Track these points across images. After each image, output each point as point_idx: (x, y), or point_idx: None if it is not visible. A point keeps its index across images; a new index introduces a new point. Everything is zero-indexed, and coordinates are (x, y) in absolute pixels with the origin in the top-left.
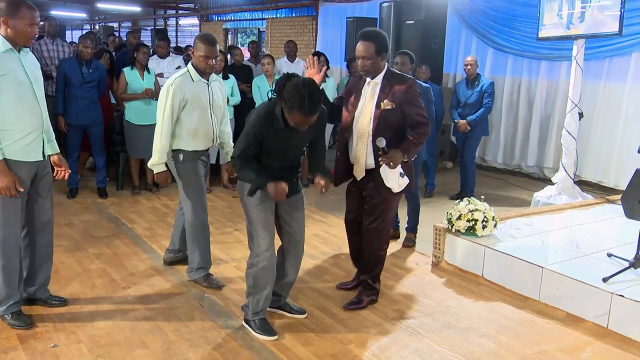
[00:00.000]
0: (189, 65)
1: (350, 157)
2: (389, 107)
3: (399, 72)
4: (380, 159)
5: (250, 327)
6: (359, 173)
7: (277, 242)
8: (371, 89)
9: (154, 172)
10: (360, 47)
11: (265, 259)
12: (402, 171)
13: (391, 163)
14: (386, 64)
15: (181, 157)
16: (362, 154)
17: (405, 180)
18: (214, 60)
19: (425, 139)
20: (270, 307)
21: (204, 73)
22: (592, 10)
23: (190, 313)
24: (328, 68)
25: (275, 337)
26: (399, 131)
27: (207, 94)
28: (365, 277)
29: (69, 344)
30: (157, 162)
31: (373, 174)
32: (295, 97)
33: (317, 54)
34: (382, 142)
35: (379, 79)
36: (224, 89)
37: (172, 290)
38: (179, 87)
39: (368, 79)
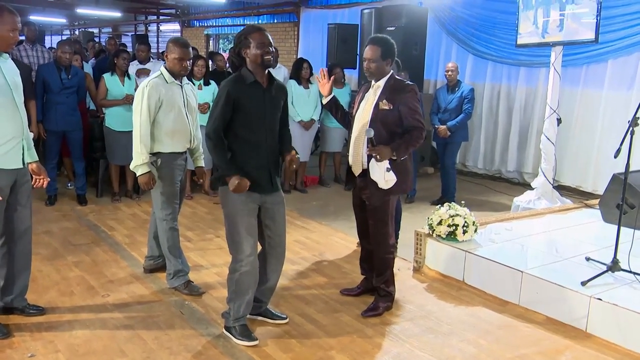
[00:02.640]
0: (162, 68)
1: (349, 156)
2: (387, 108)
3: (401, 79)
4: (367, 149)
5: (232, 334)
6: (357, 170)
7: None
8: (373, 91)
9: (137, 175)
10: (367, 50)
11: (248, 263)
12: (389, 166)
13: (377, 156)
14: (392, 70)
15: (159, 161)
16: (359, 152)
17: (392, 177)
18: (188, 62)
19: (418, 143)
20: (251, 314)
21: (178, 75)
22: (567, 19)
23: (170, 321)
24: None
25: (256, 342)
26: (394, 133)
27: (181, 95)
28: (378, 282)
29: (46, 353)
30: (139, 163)
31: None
32: (245, 30)
33: (302, 60)
34: (370, 133)
35: (382, 82)
36: (196, 92)
37: (152, 297)
38: (154, 88)
39: (372, 82)
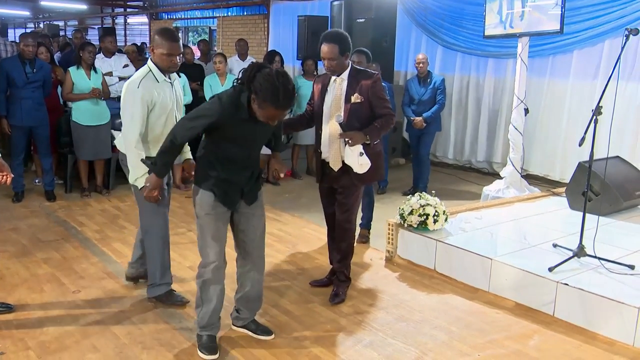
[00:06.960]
0: (150, 63)
1: (324, 152)
2: (358, 101)
3: (362, 68)
4: (339, 134)
5: (197, 341)
6: (336, 165)
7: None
8: (338, 85)
9: (140, 188)
10: (325, 48)
11: (210, 271)
12: (362, 151)
13: (350, 140)
14: (350, 62)
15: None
16: (336, 147)
17: (366, 161)
18: (177, 58)
19: (389, 127)
20: (236, 326)
21: (167, 72)
22: (531, 10)
23: (143, 315)
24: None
25: (215, 357)
26: (367, 123)
27: (172, 94)
28: (342, 267)
29: (17, 351)
30: (139, 175)
31: (346, 167)
32: (268, 89)
33: (274, 53)
34: (339, 118)
35: (345, 75)
36: (184, 87)
37: (124, 292)
38: (147, 90)
39: (334, 77)
